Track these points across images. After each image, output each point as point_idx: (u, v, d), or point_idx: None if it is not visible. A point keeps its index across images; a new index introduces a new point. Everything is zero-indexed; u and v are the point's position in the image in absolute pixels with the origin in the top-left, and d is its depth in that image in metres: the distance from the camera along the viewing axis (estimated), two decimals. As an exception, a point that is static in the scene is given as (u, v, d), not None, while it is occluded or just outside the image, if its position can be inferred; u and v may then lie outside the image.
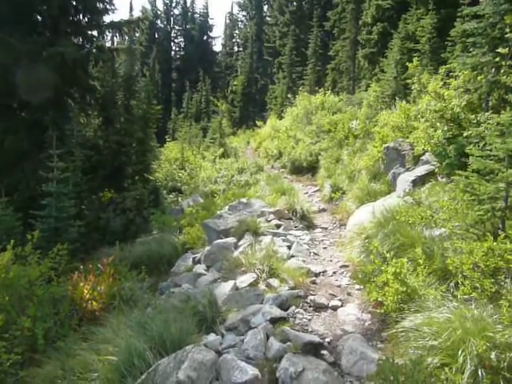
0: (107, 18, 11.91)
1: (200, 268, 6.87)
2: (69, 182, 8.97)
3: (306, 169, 14.90)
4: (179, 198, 14.83)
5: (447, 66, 8.27)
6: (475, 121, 6.67)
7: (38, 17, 11.93)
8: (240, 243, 7.04)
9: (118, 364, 3.61)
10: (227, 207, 9.20)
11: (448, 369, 3.02)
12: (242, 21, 58.61)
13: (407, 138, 8.77)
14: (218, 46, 62.58)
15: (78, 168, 10.32)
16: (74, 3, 12.00)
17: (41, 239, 6.36)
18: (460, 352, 3.06)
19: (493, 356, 3.00)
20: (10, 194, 9.12)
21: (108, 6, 12.40)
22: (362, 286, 5.22)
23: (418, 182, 7.50)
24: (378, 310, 4.35)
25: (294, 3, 36.85)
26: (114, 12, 12.74)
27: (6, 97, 10.87)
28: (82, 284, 5.72)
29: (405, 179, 7.86)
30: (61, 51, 10.55)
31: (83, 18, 12.38)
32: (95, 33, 12.68)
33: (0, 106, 11.06)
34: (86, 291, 5.64)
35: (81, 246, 8.41)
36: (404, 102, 10.15)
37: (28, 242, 5.92)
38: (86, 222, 9.66)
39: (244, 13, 56.35)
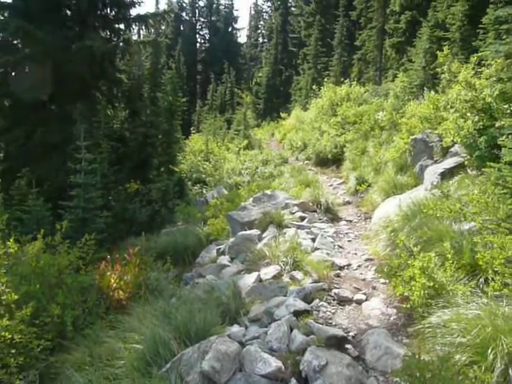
0: (134, 11, 12.15)
1: (224, 259, 6.90)
2: (96, 174, 9.14)
3: (330, 161, 14.74)
4: (204, 190, 14.91)
5: (479, 54, 7.99)
6: (508, 111, 6.43)
7: (68, 11, 12.13)
8: (264, 235, 7.03)
9: (144, 352, 3.67)
10: (251, 199, 9.20)
11: (477, 367, 2.94)
12: (266, 12, 58.33)
13: (435, 129, 8.54)
14: (242, 38, 62.59)
15: (105, 160, 10.51)
16: (102, -3, 12.16)
17: (69, 229, 6.50)
18: (490, 350, 2.98)
19: (524, 355, 2.91)
20: (41, 185, 9.35)
21: (135, 0, 12.52)
22: (387, 280, 5.14)
23: (447, 174, 7.31)
24: (403, 305, 4.27)
25: (320, -8, 36.26)
26: (140, 5, 12.89)
27: (37, 90, 11.12)
28: (109, 273, 5.83)
29: (433, 171, 7.67)
30: (89, 45, 10.73)
31: (111, 11, 12.54)
32: (122, 26, 12.86)
33: (30, 99, 11.33)
34: (112, 280, 5.74)
35: (108, 237, 8.56)
36: (433, 92, 9.89)
37: (57, 231, 6.07)
38: (113, 212, 9.84)
39: (269, 3, 56.00)
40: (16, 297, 4.59)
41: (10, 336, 4.32)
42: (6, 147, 11.97)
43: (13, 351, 4.29)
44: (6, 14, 11.70)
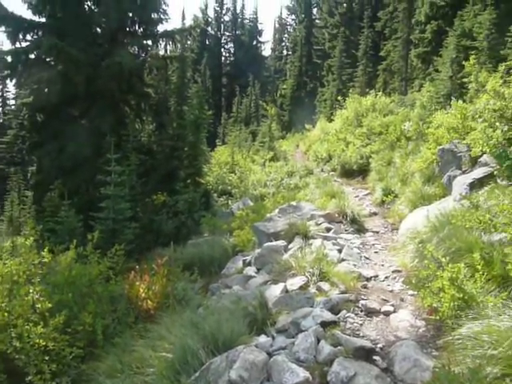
0: (161, 28, 12.53)
1: (250, 270, 6.93)
2: (125, 186, 9.37)
3: (356, 172, 14.66)
4: (229, 201, 15.02)
5: (507, 63, 7.87)
6: (539, 120, 6.32)
7: (98, 29, 12.58)
8: (290, 246, 7.04)
9: (173, 361, 3.73)
10: (277, 210, 9.23)
11: (509, 380, 2.87)
12: (290, 24, 58.70)
13: (464, 139, 8.42)
14: (267, 51, 63.11)
15: (133, 172, 10.77)
16: (131, 15, 12.57)
17: (99, 240, 6.67)
18: (522, 363, 2.91)
19: (559, 368, 2.83)
20: (71, 197, 9.65)
21: (162, 16, 12.95)
22: (415, 292, 5.07)
23: (476, 184, 7.18)
24: (432, 317, 4.21)
25: (344, 4, 36.48)
26: (167, 21, 13.25)
27: (69, 105, 11.53)
28: (137, 283, 5.95)
29: (461, 182, 7.55)
30: (118, 61, 11.09)
31: (139, 28, 12.96)
32: (150, 42, 13.26)
33: (63, 114, 11.74)
34: (141, 290, 5.86)
35: (136, 247, 8.74)
36: (460, 102, 9.76)
37: (88, 242, 6.25)
38: (141, 224, 10.04)
39: (293, 16, 56.39)
40: (50, 305, 4.76)
41: (44, 343, 4.48)
42: (39, 161, 12.41)
43: (46, 358, 4.44)
44: (39, 33, 12.21)
